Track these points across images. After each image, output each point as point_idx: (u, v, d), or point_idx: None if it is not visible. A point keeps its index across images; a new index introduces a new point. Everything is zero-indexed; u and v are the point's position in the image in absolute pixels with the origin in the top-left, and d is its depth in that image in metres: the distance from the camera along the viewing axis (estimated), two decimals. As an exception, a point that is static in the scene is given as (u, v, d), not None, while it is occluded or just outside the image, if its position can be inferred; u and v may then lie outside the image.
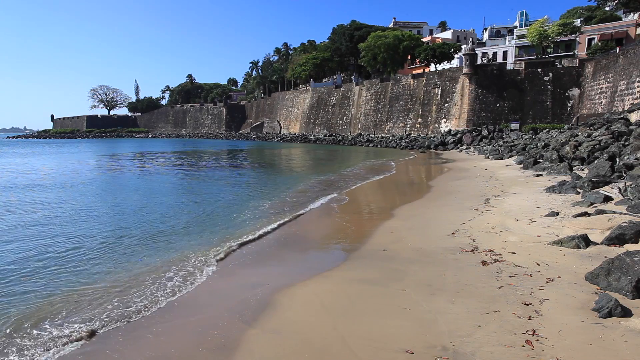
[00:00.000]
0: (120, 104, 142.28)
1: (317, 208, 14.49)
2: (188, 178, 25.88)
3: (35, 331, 5.77)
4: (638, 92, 33.80)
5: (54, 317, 6.18)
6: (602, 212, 9.80)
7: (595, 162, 16.91)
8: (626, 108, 32.01)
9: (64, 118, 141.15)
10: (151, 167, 32.44)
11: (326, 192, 17.71)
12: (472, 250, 8.47)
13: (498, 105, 48.23)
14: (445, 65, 62.01)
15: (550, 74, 46.23)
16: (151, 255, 9.20)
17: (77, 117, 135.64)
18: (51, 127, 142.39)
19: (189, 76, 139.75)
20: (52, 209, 14.51)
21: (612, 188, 12.95)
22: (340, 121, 72.35)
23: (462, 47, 61.61)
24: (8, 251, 9.51)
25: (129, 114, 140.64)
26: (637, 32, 51.02)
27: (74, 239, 10.54)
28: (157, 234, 11.05)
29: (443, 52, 60.50)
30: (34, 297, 6.96)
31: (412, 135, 56.40)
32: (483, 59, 62.12)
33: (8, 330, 5.84)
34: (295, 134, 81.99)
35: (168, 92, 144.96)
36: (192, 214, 13.64)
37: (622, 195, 11.79)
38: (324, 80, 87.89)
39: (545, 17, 56.75)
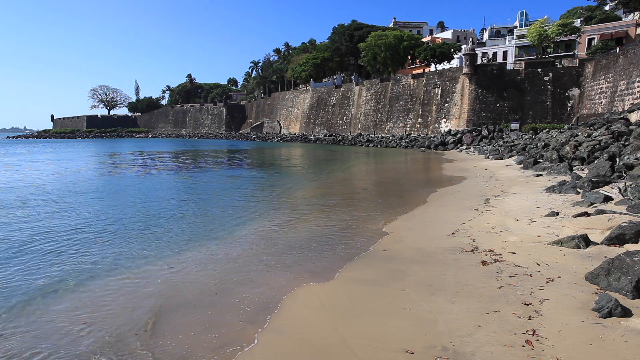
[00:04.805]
0: (120, 104, 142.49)
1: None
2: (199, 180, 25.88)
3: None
4: (638, 92, 33.79)
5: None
6: (602, 212, 9.80)
7: (595, 162, 16.91)
8: (626, 108, 32.00)
9: (64, 118, 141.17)
10: (172, 169, 32.45)
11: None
12: (472, 250, 8.46)
13: (498, 105, 48.23)
14: (445, 65, 62.04)
15: (550, 74, 46.24)
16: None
17: (77, 117, 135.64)
18: (51, 127, 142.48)
19: (189, 76, 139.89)
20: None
21: (612, 188, 12.95)
22: (340, 121, 72.34)
23: (462, 47, 61.65)
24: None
25: (129, 114, 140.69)
26: (637, 32, 51.03)
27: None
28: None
29: (443, 52, 60.53)
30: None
31: (412, 135, 56.40)
32: (483, 59, 62.16)
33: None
34: (295, 134, 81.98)
35: (168, 92, 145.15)
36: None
37: (622, 195, 11.79)
38: (324, 80, 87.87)
39: (545, 17, 56.83)
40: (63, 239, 10.50)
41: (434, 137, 51.50)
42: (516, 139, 38.08)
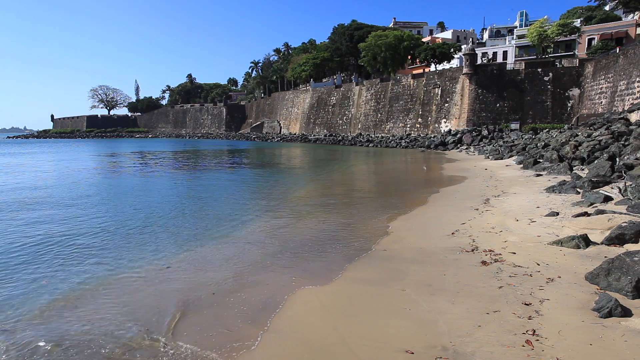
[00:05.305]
0: (120, 104, 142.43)
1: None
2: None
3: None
4: (638, 92, 33.80)
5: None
6: (602, 212, 9.80)
7: (595, 162, 16.92)
8: (626, 108, 32.01)
9: (64, 118, 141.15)
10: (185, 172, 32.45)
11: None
12: (472, 250, 8.47)
13: (498, 105, 48.24)
14: (445, 65, 62.06)
15: (550, 74, 46.25)
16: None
17: (77, 117, 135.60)
18: (51, 127, 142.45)
19: (189, 76, 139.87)
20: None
21: (612, 188, 12.95)
22: (340, 121, 72.36)
23: (462, 47, 61.67)
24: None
25: (129, 114, 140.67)
26: (637, 32, 51.04)
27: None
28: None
29: (443, 52, 60.55)
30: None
31: (412, 135, 56.41)
32: (483, 59, 62.17)
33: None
34: (295, 134, 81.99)
35: (168, 92, 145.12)
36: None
37: (622, 195, 11.80)
38: (324, 80, 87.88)
39: (545, 17, 56.84)
40: (65, 239, 10.52)
41: (434, 137, 51.51)
42: (516, 139, 38.09)
